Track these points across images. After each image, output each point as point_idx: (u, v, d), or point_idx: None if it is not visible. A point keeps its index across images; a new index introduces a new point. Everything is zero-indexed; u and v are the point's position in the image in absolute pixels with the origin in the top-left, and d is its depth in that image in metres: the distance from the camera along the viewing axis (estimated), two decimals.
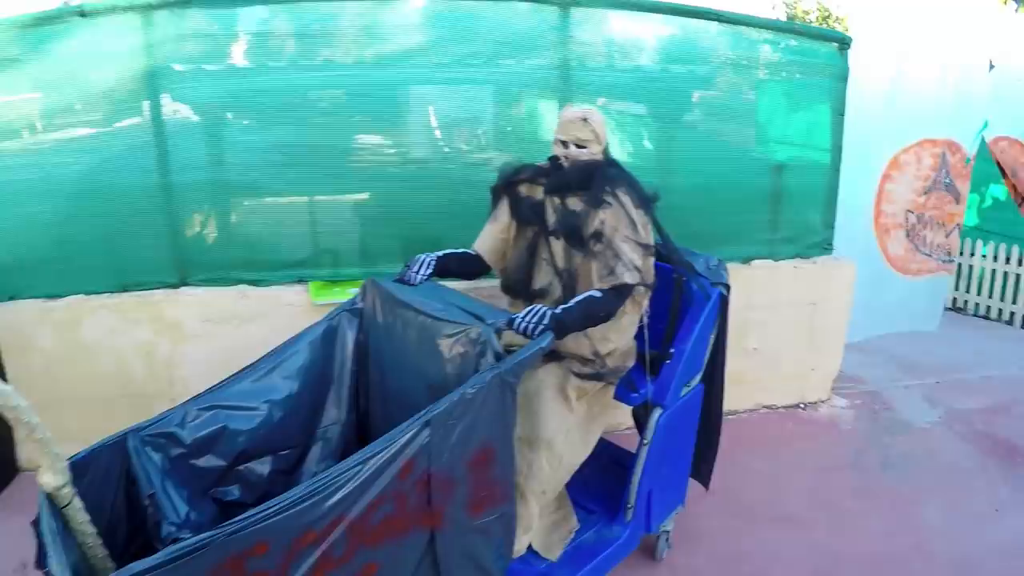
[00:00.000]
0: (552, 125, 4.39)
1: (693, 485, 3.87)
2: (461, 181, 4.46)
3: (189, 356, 4.49)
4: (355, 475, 2.22)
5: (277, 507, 2.09)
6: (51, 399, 4.45)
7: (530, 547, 3.19)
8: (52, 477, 2.33)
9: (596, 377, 3.17)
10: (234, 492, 2.96)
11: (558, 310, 2.82)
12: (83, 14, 4.10)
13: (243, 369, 3.03)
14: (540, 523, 3.23)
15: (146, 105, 4.25)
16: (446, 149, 4.56)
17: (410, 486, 2.39)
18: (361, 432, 3.27)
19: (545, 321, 2.74)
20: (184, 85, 4.30)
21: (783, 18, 21.02)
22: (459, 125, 4.55)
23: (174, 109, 4.30)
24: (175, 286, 4.47)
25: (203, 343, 4.47)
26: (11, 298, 4.39)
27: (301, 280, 4.52)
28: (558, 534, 3.30)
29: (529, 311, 2.78)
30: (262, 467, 3.03)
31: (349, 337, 3.23)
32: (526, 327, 2.73)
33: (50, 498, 2.34)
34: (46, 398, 4.49)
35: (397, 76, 4.42)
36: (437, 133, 4.59)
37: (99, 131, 4.32)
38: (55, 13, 4.15)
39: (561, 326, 2.77)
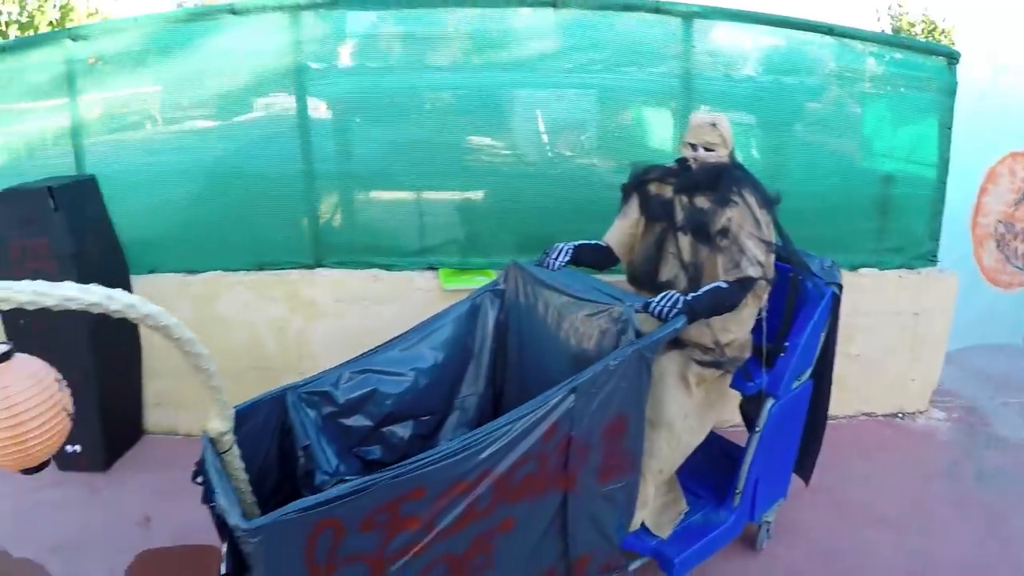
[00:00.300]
0: (660, 130, 4.58)
1: (793, 480, 3.99)
2: (581, 182, 4.68)
3: (320, 333, 4.77)
4: (506, 432, 2.43)
5: (436, 456, 2.32)
6: (184, 366, 4.74)
7: (643, 524, 3.35)
8: (219, 423, 2.54)
9: (715, 365, 3.34)
10: (376, 452, 3.21)
11: (689, 297, 3.00)
12: (234, 12, 4.39)
13: (394, 338, 3.29)
14: (653, 502, 3.39)
15: (289, 98, 4.57)
16: (566, 152, 4.77)
17: (552, 448, 2.58)
18: (495, 405, 3.48)
19: (679, 306, 2.93)
20: (323, 81, 4.60)
21: (888, 31, 20.78)
22: (581, 129, 4.76)
23: (314, 104, 4.59)
24: (311, 267, 4.76)
25: (335, 321, 4.74)
26: (151, 271, 4.71)
27: (431, 267, 4.77)
28: (668, 514, 3.46)
29: (663, 296, 2.97)
30: (404, 430, 3.28)
31: (491, 315, 3.48)
32: (661, 310, 2.92)
33: (213, 442, 2.55)
34: (180, 366, 4.79)
35: (526, 80, 4.67)
36: (544, 137, 4.82)
37: (242, 120, 4.64)
38: (207, 10, 4.48)
39: (692, 311, 2.96)
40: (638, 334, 2.79)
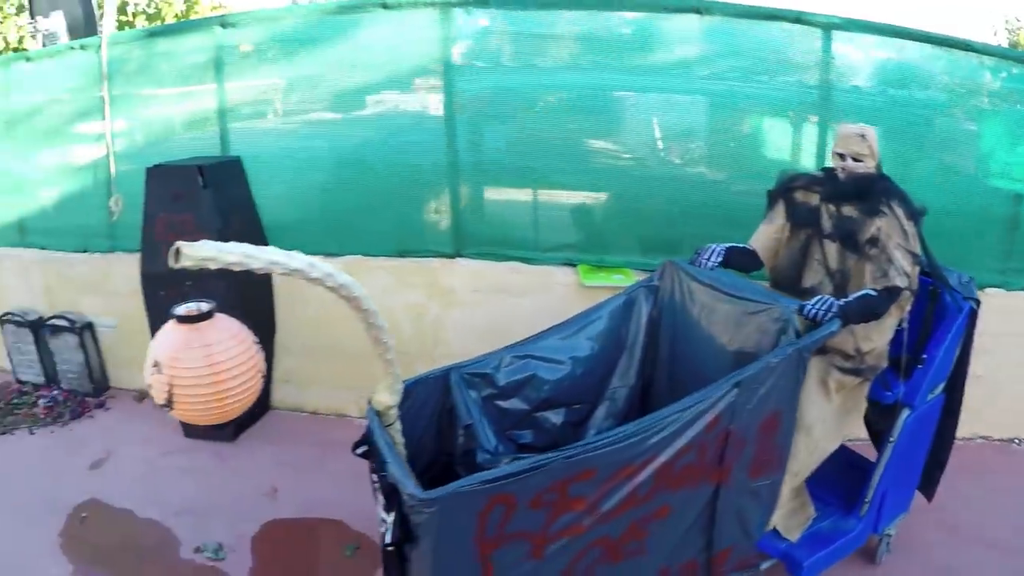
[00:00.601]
0: (792, 139, 4.59)
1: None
2: (716, 188, 4.70)
3: (456, 321, 4.89)
4: (673, 421, 2.50)
5: (608, 439, 2.40)
6: (315, 345, 4.94)
7: (773, 526, 3.38)
8: (387, 396, 2.61)
9: (855, 372, 3.36)
10: (527, 436, 3.30)
11: (841, 302, 3.03)
12: (386, 6, 4.52)
13: (553, 326, 3.38)
14: (785, 505, 3.42)
15: (433, 92, 4.70)
16: (701, 157, 4.79)
17: (711, 440, 2.64)
18: (643, 398, 3.55)
19: (833, 310, 2.96)
20: (467, 77, 4.70)
21: (1005, 44, 20.26)
22: (717, 134, 4.75)
23: (457, 99, 4.69)
24: (451, 256, 4.88)
25: (472, 310, 4.86)
26: None
27: (570, 263, 4.83)
28: (797, 519, 3.48)
29: (818, 299, 3.01)
30: (556, 417, 3.37)
31: (644, 310, 3.55)
32: (816, 313, 2.96)
33: (378, 415, 2.63)
34: (311, 344, 4.99)
35: (666, 85, 4.70)
36: (669, 142, 4.85)
37: (385, 111, 4.81)
38: (358, 3, 4.61)
39: (845, 316, 2.99)
40: (798, 334, 2.84)
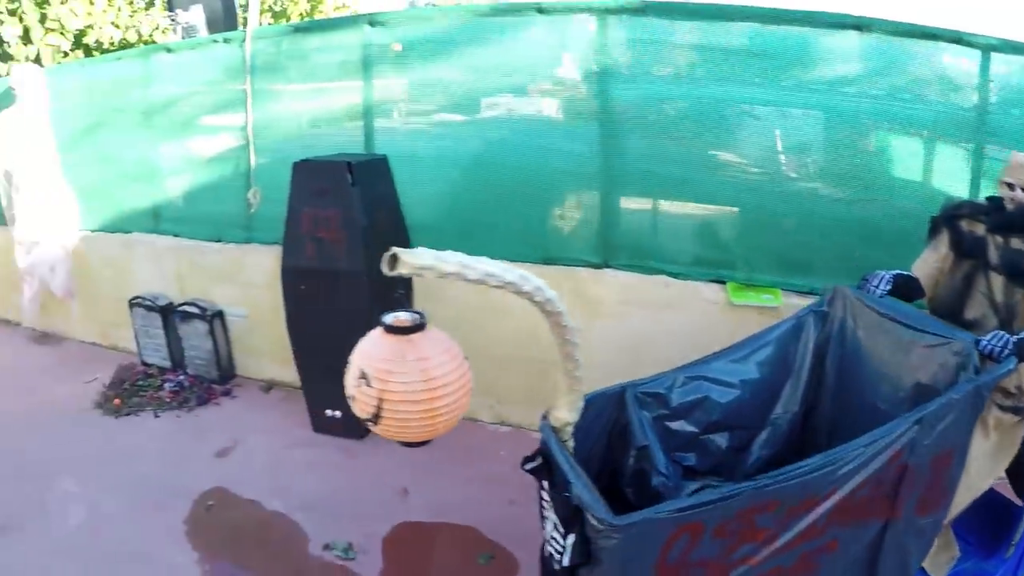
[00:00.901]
0: (942, 161, 4.50)
1: None
2: (863, 208, 4.59)
3: (600, 332, 4.83)
4: (859, 455, 2.46)
5: (799, 470, 2.36)
6: None
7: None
8: (567, 413, 2.56)
9: (1014, 411, 3.27)
10: (691, 459, 3.27)
11: (1015, 338, 2.96)
12: (541, 10, 4.53)
13: (724, 349, 3.34)
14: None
15: (585, 97, 4.71)
16: (853, 176, 4.62)
17: (889, 475, 2.59)
18: (804, 424, 3.51)
19: (1009, 347, 2.89)
20: (620, 84, 4.69)
21: None
22: (869, 153, 4.63)
23: (611, 106, 4.68)
24: (598, 267, 4.86)
25: (616, 322, 4.82)
26: None
27: (718, 280, 4.76)
28: (942, 557, 3.42)
29: (994, 335, 2.94)
30: (720, 440, 3.33)
31: (812, 336, 3.48)
32: (992, 349, 2.89)
33: (555, 431, 2.59)
34: None
35: (819, 101, 4.62)
36: (780, 160, 4.77)
37: (533, 115, 4.83)
38: (513, 6, 4.65)
39: (1020, 353, 2.92)
40: (977, 370, 2.79)
